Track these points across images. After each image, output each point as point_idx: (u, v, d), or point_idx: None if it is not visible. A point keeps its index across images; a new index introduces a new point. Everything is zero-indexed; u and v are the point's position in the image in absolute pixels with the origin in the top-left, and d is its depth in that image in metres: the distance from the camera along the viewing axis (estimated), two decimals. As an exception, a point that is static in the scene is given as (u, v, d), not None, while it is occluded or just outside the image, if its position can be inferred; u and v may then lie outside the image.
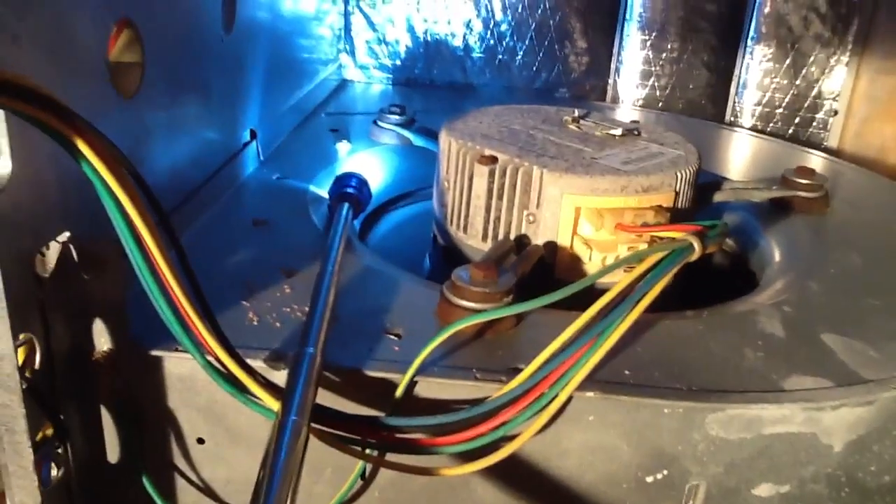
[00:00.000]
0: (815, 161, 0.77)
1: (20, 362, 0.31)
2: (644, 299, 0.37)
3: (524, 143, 0.53)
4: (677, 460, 0.37)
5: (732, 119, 0.95)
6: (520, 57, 0.99)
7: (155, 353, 0.36)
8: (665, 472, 0.37)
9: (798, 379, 0.38)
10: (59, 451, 0.34)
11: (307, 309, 0.39)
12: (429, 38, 0.99)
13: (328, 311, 0.38)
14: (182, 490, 0.40)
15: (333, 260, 0.43)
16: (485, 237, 0.51)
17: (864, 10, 0.85)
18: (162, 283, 0.31)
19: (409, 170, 0.73)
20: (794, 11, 0.88)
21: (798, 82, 0.90)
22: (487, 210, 0.50)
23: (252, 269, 0.46)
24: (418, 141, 0.72)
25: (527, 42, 0.98)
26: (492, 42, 0.99)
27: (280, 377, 0.35)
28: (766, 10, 0.90)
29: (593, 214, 0.47)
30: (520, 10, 0.97)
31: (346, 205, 0.53)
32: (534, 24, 0.97)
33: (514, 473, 0.37)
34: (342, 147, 0.73)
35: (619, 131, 0.56)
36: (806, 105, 0.90)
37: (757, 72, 0.92)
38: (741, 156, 0.82)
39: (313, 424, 0.32)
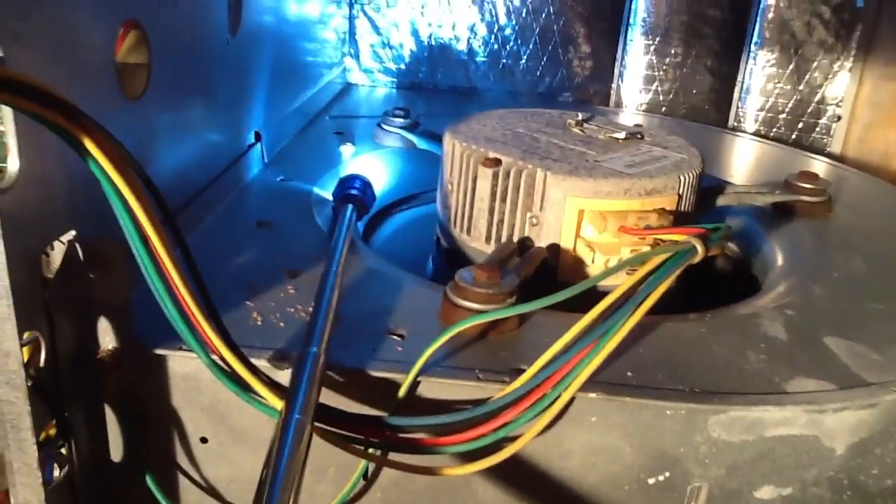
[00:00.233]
0: (818, 166, 0.77)
1: (25, 360, 0.31)
2: (647, 301, 0.37)
3: (528, 145, 0.53)
4: (679, 462, 0.37)
5: (735, 124, 0.95)
6: (523, 61, 0.99)
7: (159, 351, 0.37)
8: (667, 473, 0.37)
9: (800, 381, 0.38)
10: (63, 449, 0.34)
11: (311, 309, 0.40)
12: (433, 42, 1.00)
13: (332, 311, 0.38)
14: (185, 489, 0.40)
15: (338, 260, 0.43)
16: (488, 239, 0.51)
17: (868, 16, 0.85)
18: (167, 282, 0.31)
19: (413, 172, 0.73)
20: (797, 17, 0.89)
21: (801, 87, 0.90)
22: (491, 212, 0.50)
23: (256, 270, 0.46)
24: (422, 144, 0.73)
25: (531, 46, 0.99)
26: (496, 46, 0.99)
27: (284, 376, 0.35)
28: (770, 15, 0.90)
29: (596, 217, 0.47)
30: (524, 14, 0.97)
31: (351, 206, 0.53)
32: (538, 29, 0.98)
33: (517, 474, 0.37)
34: (346, 150, 0.74)
35: (622, 135, 0.56)
36: (809, 110, 0.90)
37: (760, 77, 0.92)
38: (744, 160, 0.82)
39: (316, 423, 0.32)
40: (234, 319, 0.39)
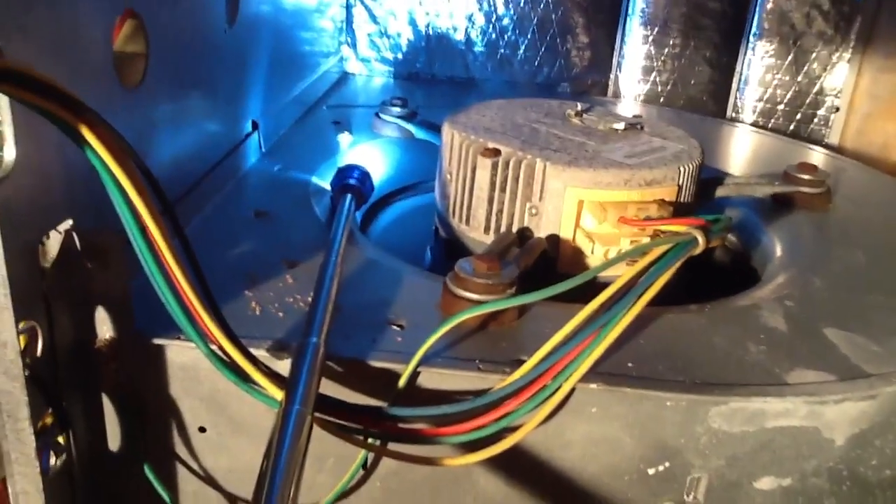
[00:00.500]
0: (817, 157, 0.77)
1: (21, 349, 0.31)
2: (648, 292, 0.37)
3: (527, 136, 0.52)
4: (679, 453, 0.37)
5: (734, 115, 0.95)
6: (521, 52, 0.99)
7: (158, 341, 0.36)
8: (667, 464, 0.37)
9: (801, 373, 0.38)
10: (61, 438, 0.34)
11: (309, 299, 0.39)
12: (430, 32, 0.99)
13: (331, 302, 0.38)
14: (183, 479, 0.40)
15: (337, 251, 0.43)
16: (487, 230, 0.51)
17: (867, 7, 0.85)
18: (166, 272, 0.31)
19: (410, 162, 0.73)
20: (796, 8, 0.88)
21: (800, 79, 0.90)
22: (490, 202, 0.50)
23: (254, 260, 0.46)
24: (420, 134, 0.72)
25: (529, 37, 0.98)
26: (493, 36, 0.98)
27: (283, 367, 0.35)
28: (769, 6, 0.90)
29: (596, 208, 0.47)
30: (522, 4, 0.97)
31: (349, 196, 0.53)
32: (536, 19, 0.97)
33: (517, 464, 0.37)
34: (344, 139, 0.73)
35: (622, 125, 0.56)
36: (807, 102, 0.90)
37: (759, 68, 0.92)
38: (742, 151, 0.82)
39: (316, 414, 0.32)
40: (232, 310, 0.39)
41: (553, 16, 0.97)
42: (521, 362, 0.36)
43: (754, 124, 0.93)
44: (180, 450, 0.39)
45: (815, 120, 0.90)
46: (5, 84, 0.24)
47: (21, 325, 0.31)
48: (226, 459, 0.39)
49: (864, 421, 0.37)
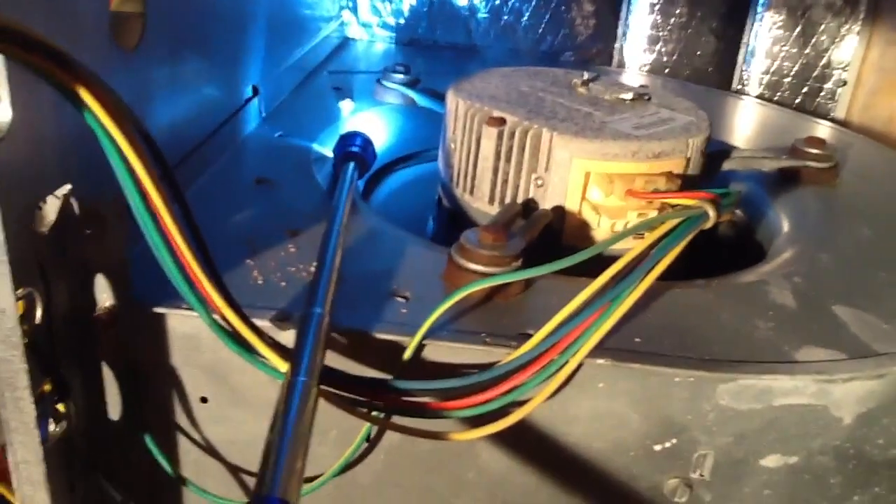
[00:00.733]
0: (823, 131, 0.76)
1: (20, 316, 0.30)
2: (657, 267, 0.36)
3: (533, 105, 0.51)
4: (686, 429, 0.36)
5: (739, 87, 0.94)
6: (525, 19, 0.97)
7: (158, 310, 0.36)
8: (673, 440, 0.37)
9: (810, 350, 0.38)
10: (61, 408, 0.34)
11: (312, 269, 0.39)
12: (433, -3, 0.97)
13: (335, 272, 0.37)
14: (184, 449, 0.39)
15: (340, 219, 0.42)
16: (492, 200, 0.50)
17: (878, -21, 0.83)
18: (167, 239, 0.30)
19: (413, 130, 0.72)
20: (805, -21, 0.87)
21: (807, 51, 0.89)
22: (495, 172, 0.49)
23: (255, 229, 0.45)
24: (423, 101, 0.71)
25: (533, 4, 0.96)
26: (497, 2, 0.97)
27: (286, 337, 0.35)
28: (778, -24, 0.88)
29: (603, 179, 0.46)
30: (526, -30, 0.95)
31: (352, 164, 0.52)
32: (540, -15, 0.95)
33: (522, 439, 0.37)
34: (345, 106, 0.72)
35: (629, 95, 0.55)
36: (815, 75, 0.89)
37: (766, 39, 0.91)
38: (747, 124, 0.81)
39: (320, 386, 0.32)
40: (234, 279, 0.38)
41: (558, -18, 0.95)
42: (528, 336, 0.35)
43: (760, 97, 0.92)
44: (181, 420, 0.38)
45: (822, 93, 0.89)
46: (2, 43, 0.23)
47: (19, 292, 0.30)
48: (226, 430, 0.39)
49: (871, 400, 0.37)
